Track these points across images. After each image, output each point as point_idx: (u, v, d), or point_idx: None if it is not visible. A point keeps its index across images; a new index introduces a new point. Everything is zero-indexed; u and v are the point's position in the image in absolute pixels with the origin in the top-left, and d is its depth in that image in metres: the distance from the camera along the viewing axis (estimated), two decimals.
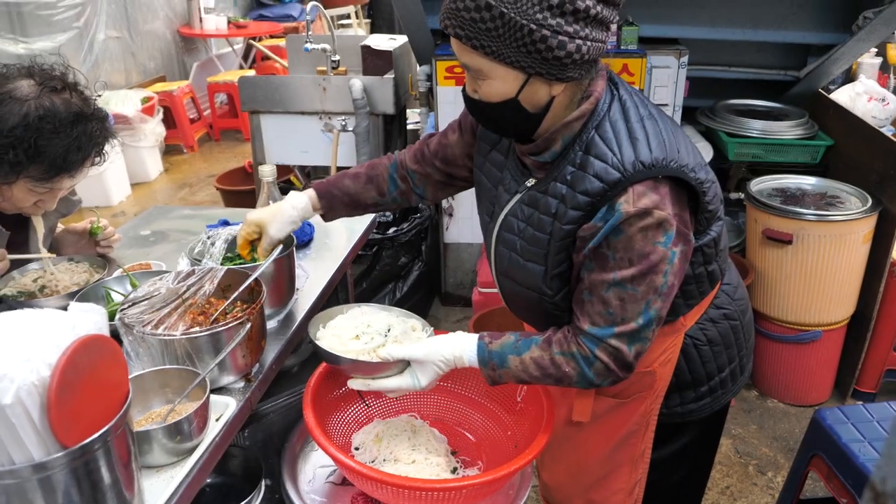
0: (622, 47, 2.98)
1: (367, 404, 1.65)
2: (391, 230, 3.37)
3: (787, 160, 3.14)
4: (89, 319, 0.99)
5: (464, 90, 1.25)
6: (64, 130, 1.41)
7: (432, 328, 1.46)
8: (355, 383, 1.35)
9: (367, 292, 3.31)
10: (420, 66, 3.41)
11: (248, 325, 1.30)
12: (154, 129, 5.51)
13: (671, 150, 1.17)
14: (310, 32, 3.55)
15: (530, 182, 1.29)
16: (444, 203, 3.48)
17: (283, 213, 1.50)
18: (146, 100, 5.47)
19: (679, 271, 1.21)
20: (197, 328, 1.32)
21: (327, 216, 1.57)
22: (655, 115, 1.23)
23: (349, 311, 1.47)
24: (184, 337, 1.26)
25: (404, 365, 1.33)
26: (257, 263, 1.48)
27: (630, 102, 1.22)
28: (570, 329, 1.26)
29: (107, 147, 1.56)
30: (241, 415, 1.35)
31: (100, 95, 3.97)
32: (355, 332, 1.39)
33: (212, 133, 6.53)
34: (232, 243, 1.63)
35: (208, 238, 1.61)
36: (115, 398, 0.99)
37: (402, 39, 3.77)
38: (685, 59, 3.00)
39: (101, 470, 0.97)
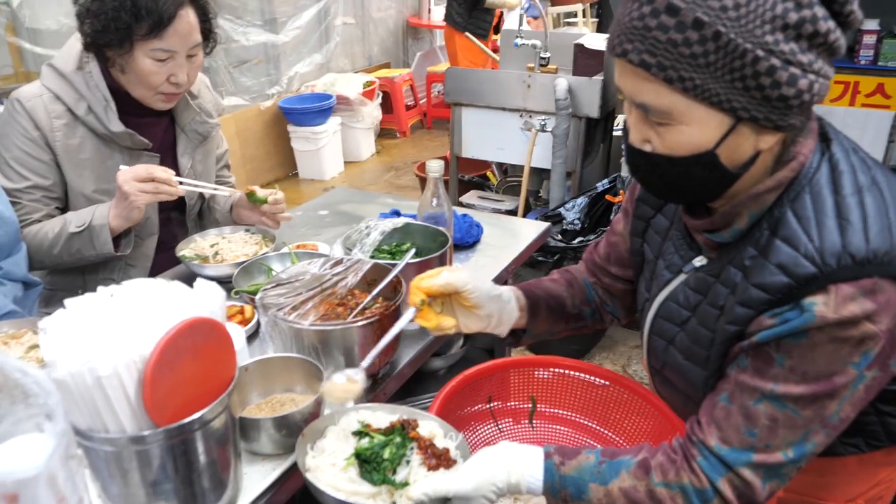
0: (880, 63, 2.52)
1: (499, 428, 1.53)
2: (577, 240, 3.19)
3: None
4: (207, 300, 0.98)
5: (625, 141, 0.97)
6: None
7: (461, 434, 1.10)
8: None
9: None
10: None
11: (376, 325, 1.23)
12: (372, 112, 5.81)
13: None
14: (521, 27, 3.46)
15: (699, 262, 1.03)
16: None
17: (490, 303, 1.17)
18: (368, 84, 5.77)
19: (860, 402, 0.91)
20: (323, 321, 1.29)
21: (531, 323, 1.27)
22: (882, 184, 0.91)
23: (342, 420, 1.11)
24: (311, 328, 1.23)
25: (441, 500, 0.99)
26: (402, 261, 1.41)
27: (845, 164, 0.91)
28: (678, 449, 0.96)
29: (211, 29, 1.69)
30: None
31: None
32: (355, 459, 1.03)
33: (424, 121, 6.74)
34: (388, 236, 1.59)
35: (366, 228, 1.58)
36: (218, 383, 0.97)
37: None
38: None
39: (197, 451, 0.96)
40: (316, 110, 5.29)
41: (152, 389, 0.86)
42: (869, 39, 2.48)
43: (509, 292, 1.23)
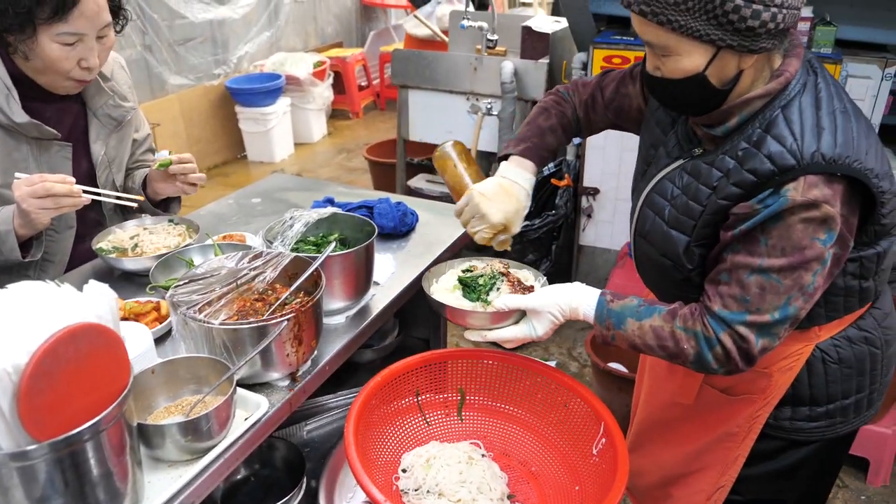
0: (814, 49, 2.54)
1: (427, 422, 1.51)
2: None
3: None
4: (95, 304, 0.93)
5: (643, 69, 1.24)
6: None
7: (545, 277, 1.48)
8: (472, 335, 1.39)
9: None
10: (578, 52, 3.16)
11: (285, 324, 1.19)
12: (322, 92, 5.69)
13: (857, 150, 1.10)
14: (467, 9, 3.41)
15: (697, 151, 1.26)
16: (584, 202, 3.23)
17: (521, 208, 1.47)
18: (319, 64, 5.65)
19: (829, 275, 1.16)
20: (239, 318, 1.24)
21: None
22: (850, 112, 1.16)
23: (456, 265, 1.54)
24: (221, 327, 1.18)
25: (519, 315, 1.35)
26: (322, 255, 1.37)
27: (826, 92, 1.16)
28: (697, 307, 1.22)
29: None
30: (276, 416, 1.26)
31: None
32: (460, 283, 1.47)
33: (378, 102, 6.65)
34: (311, 227, 1.54)
35: (290, 219, 1.53)
36: (110, 390, 0.93)
37: (565, 22, 3.53)
38: (893, 69, 2.50)
39: (89, 463, 0.91)
40: (264, 90, 5.16)
41: (29, 402, 0.81)
42: (803, 26, 2.49)
43: (531, 181, 1.50)
